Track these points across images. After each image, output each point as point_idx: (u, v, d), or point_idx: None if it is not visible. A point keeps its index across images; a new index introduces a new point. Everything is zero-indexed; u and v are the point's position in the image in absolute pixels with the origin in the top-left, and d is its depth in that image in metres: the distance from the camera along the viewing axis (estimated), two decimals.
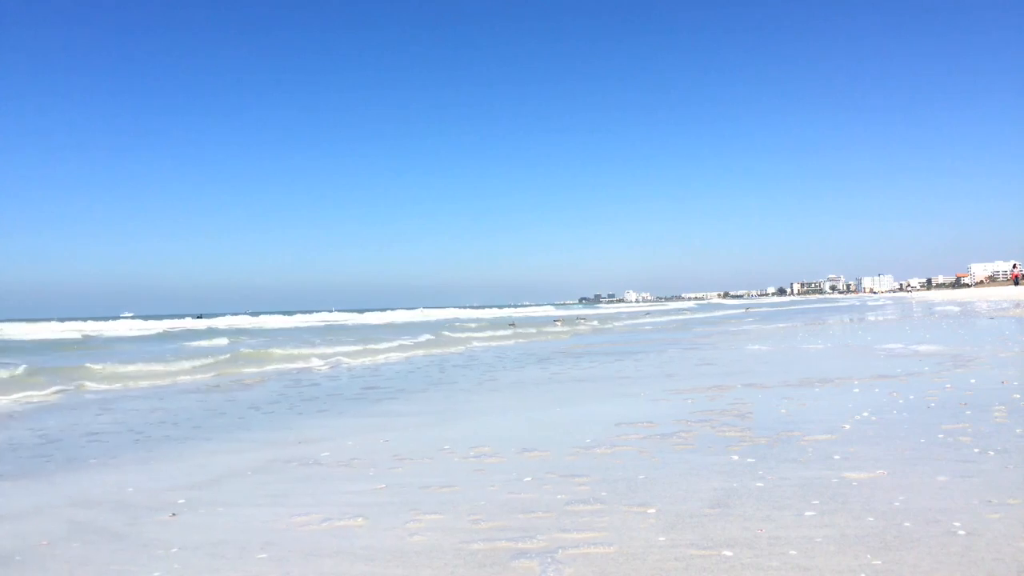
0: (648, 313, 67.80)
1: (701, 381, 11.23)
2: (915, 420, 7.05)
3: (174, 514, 5.03)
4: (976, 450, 5.67)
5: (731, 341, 21.45)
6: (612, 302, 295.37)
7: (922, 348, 15.17)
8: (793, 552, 3.71)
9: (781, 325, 31.05)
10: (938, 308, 44.47)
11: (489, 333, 32.43)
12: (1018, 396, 8.17)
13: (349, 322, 60.17)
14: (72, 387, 13.85)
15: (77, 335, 40.24)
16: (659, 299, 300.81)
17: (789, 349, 17.15)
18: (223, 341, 30.25)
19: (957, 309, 39.99)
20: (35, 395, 12.78)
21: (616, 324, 42.71)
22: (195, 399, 11.98)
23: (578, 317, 55.47)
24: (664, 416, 8.04)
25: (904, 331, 21.95)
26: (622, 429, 7.36)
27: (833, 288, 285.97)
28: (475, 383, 12.96)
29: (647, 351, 18.99)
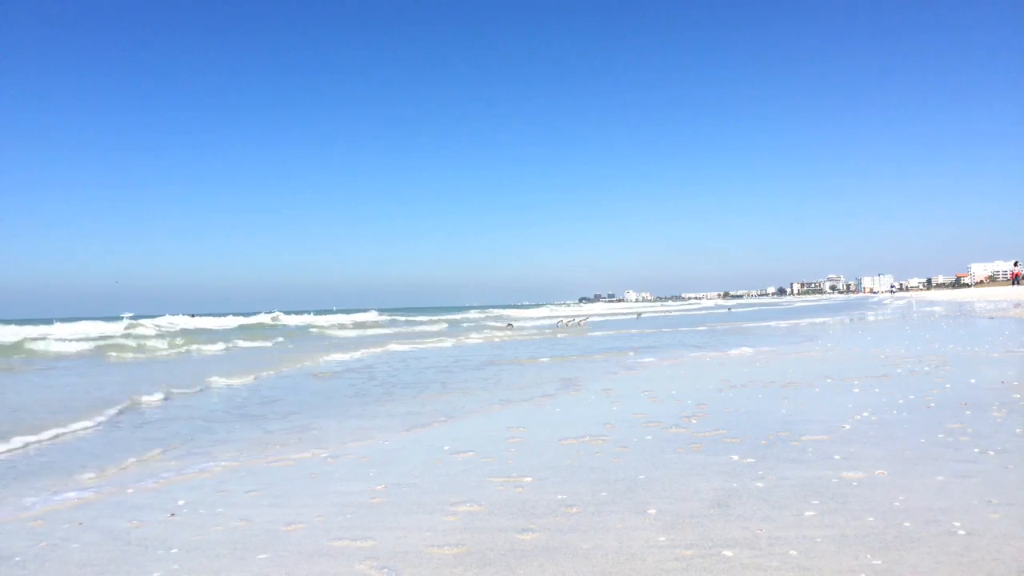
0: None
1: (699, 381, 11.22)
2: (915, 420, 7.05)
3: (173, 514, 5.03)
4: (976, 450, 5.67)
5: (727, 338, 21.44)
6: (612, 302, 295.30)
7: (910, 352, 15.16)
8: (793, 552, 3.71)
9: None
10: (932, 308, 44.44)
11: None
12: (1018, 396, 8.17)
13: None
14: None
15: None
16: (659, 299, 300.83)
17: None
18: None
19: (941, 310, 39.96)
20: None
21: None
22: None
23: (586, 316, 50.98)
24: (661, 416, 8.04)
25: (901, 334, 21.93)
26: (621, 431, 7.36)
27: (833, 288, 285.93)
28: (474, 385, 12.95)
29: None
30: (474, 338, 29.31)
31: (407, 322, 51.90)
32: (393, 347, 24.21)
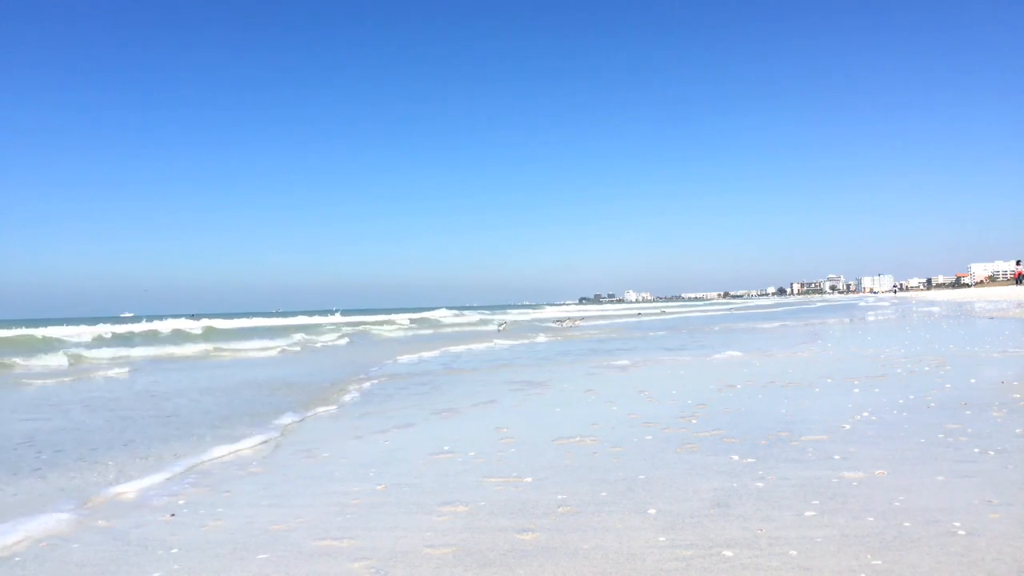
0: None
1: (701, 380, 11.22)
2: (915, 420, 7.05)
3: (173, 514, 5.03)
4: (976, 450, 5.67)
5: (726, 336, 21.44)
6: (612, 302, 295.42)
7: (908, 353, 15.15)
8: (793, 552, 3.71)
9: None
10: (931, 309, 44.42)
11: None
12: (1018, 396, 8.17)
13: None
14: None
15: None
16: (659, 299, 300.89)
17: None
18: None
19: (941, 310, 39.93)
20: None
21: None
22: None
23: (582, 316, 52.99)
24: (660, 416, 8.03)
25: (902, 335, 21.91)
26: (620, 431, 7.36)
27: (833, 288, 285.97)
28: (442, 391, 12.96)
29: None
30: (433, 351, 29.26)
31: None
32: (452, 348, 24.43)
